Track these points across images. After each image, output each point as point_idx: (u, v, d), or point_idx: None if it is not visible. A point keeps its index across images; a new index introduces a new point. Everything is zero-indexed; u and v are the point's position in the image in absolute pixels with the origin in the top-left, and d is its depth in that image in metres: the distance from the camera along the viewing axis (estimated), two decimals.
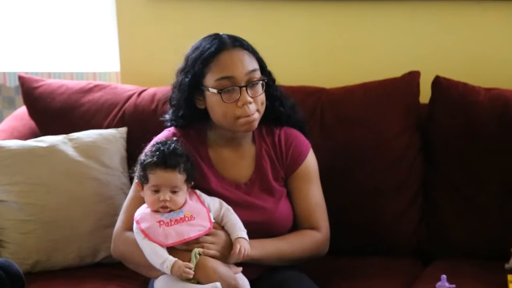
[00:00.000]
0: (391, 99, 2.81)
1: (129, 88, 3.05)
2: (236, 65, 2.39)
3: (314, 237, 2.49)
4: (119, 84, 3.14)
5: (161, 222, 2.30)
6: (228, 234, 2.36)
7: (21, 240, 2.70)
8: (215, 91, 2.38)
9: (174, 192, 2.32)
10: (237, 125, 2.40)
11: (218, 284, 2.24)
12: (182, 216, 2.32)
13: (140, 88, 3.03)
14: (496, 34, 2.98)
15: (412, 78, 2.83)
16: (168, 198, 2.31)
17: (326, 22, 3.10)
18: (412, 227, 2.79)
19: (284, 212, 2.48)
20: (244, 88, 2.38)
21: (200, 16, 3.18)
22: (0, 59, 3.48)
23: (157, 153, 2.34)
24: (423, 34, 3.04)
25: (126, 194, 2.55)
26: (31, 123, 3.06)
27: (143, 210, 2.36)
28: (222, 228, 2.38)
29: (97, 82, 3.10)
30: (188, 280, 2.27)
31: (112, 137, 2.86)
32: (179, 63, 2.48)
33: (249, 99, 2.38)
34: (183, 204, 2.34)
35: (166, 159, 2.32)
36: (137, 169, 2.38)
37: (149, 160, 2.34)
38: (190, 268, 2.25)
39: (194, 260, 2.27)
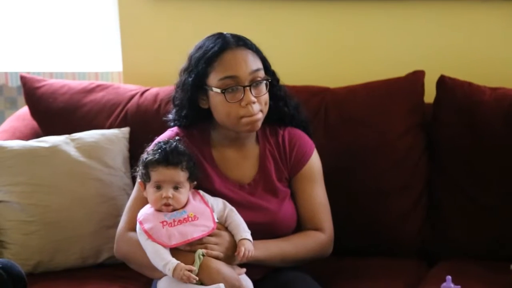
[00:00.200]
0: (395, 99, 2.80)
1: (132, 88, 3.04)
2: (239, 64, 2.37)
3: (318, 238, 2.48)
4: (121, 84, 3.14)
5: (164, 223, 2.29)
6: (232, 235, 2.35)
7: (23, 241, 2.69)
8: (218, 90, 2.37)
9: (176, 189, 2.31)
10: (240, 125, 2.39)
11: (221, 285, 2.22)
12: (186, 216, 2.30)
13: (143, 88, 3.03)
14: (502, 33, 2.98)
15: (417, 77, 2.83)
16: (171, 195, 2.29)
17: (330, 22, 3.10)
18: (416, 228, 2.78)
19: (288, 213, 2.47)
20: (247, 88, 2.37)
21: (203, 16, 3.17)
22: (2, 59, 3.47)
23: (159, 151, 2.34)
24: (427, 33, 3.03)
25: (129, 195, 2.55)
26: (33, 123, 3.05)
27: (146, 210, 2.35)
28: (226, 228, 2.37)
29: (99, 82, 3.10)
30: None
31: (114, 137, 2.86)
32: (182, 62, 2.47)
33: (253, 98, 2.37)
34: (186, 204, 2.33)
35: (168, 156, 2.32)
36: (139, 167, 2.38)
37: (151, 157, 2.33)
38: (193, 271, 2.23)
39: (197, 261, 2.26)
